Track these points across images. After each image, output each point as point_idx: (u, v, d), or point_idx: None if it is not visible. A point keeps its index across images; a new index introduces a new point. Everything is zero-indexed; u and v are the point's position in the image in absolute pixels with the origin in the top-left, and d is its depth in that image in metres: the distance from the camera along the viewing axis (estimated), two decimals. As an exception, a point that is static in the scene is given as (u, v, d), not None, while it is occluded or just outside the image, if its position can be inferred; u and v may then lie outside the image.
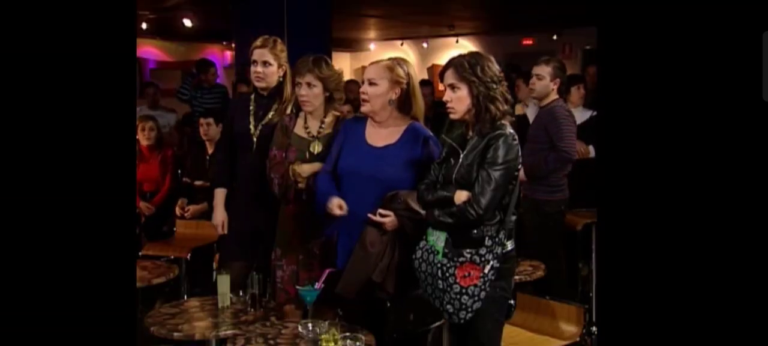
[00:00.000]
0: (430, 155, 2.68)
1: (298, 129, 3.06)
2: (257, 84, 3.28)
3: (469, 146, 2.43)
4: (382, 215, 2.58)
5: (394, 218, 2.57)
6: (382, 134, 2.75)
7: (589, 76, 6.31)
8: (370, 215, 2.57)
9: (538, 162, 4.04)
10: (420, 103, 2.79)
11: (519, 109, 4.62)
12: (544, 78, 4.16)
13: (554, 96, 4.20)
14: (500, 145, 2.35)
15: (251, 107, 3.31)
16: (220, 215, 3.40)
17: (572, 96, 4.86)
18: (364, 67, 3.12)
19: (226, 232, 3.41)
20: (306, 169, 2.91)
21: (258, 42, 3.28)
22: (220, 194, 3.42)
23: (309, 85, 2.98)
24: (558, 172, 4.10)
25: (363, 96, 2.73)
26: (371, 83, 2.71)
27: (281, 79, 3.29)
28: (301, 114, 3.08)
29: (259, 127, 3.25)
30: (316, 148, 2.98)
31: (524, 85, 5.80)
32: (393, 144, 2.72)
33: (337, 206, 2.65)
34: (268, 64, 3.25)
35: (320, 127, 3.03)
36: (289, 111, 3.19)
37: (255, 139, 3.25)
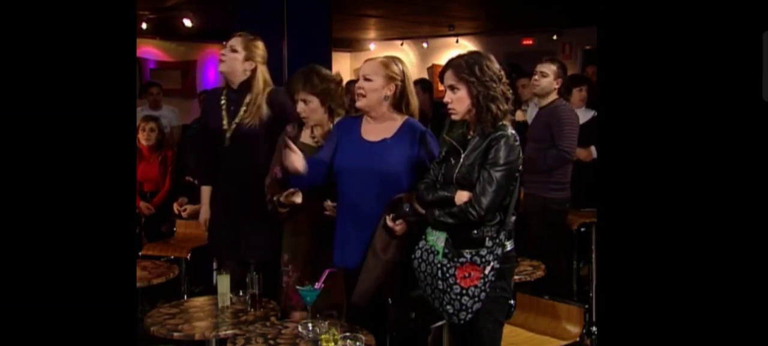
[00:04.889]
0: (428, 150, 2.69)
1: (305, 137, 3.06)
2: (219, 66, 3.26)
3: (470, 146, 2.42)
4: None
5: (405, 224, 2.56)
6: (377, 130, 2.76)
7: (589, 76, 6.29)
8: (388, 222, 2.55)
9: (537, 158, 4.05)
10: (414, 102, 2.81)
11: (519, 116, 4.60)
12: (548, 75, 4.16)
13: (555, 96, 4.20)
14: (502, 145, 2.35)
15: (223, 102, 3.28)
16: (204, 213, 3.43)
17: (573, 97, 4.86)
18: (362, 67, 3.12)
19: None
20: (283, 199, 2.91)
21: (237, 33, 3.29)
22: (206, 192, 3.44)
23: (304, 101, 2.98)
24: (555, 169, 4.10)
25: (359, 91, 2.74)
26: (366, 79, 2.72)
27: (250, 73, 3.25)
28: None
29: (233, 125, 3.23)
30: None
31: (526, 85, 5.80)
32: (389, 138, 2.73)
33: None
34: (234, 50, 3.23)
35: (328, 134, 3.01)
36: (263, 110, 3.17)
37: (228, 136, 3.23)
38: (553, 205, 4.14)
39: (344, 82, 3.20)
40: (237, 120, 3.22)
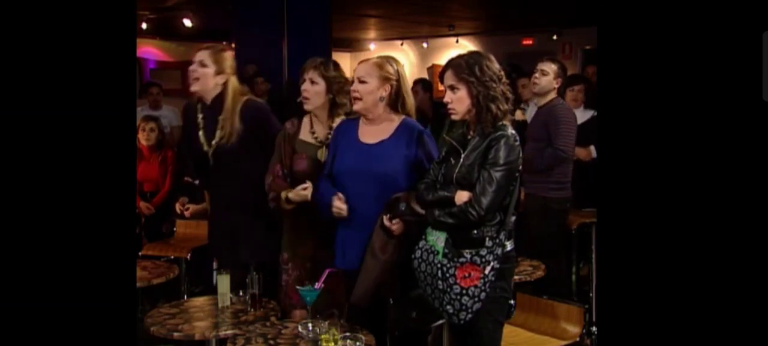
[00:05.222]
0: (425, 150, 2.69)
1: (304, 134, 3.04)
2: (191, 86, 3.19)
3: (470, 146, 2.42)
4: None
5: (402, 223, 2.56)
6: (374, 131, 2.75)
7: (589, 76, 6.29)
8: (385, 221, 2.56)
9: (534, 158, 4.05)
10: (410, 101, 2.81)
11: (519, 115, 4.57)
12: (548, 74, 4.15)
13: (553, 95, 4.20)
14: (502, 145, 2.35)
15: (200, 119, 3.25)
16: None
17: (566, 97, 4.83)
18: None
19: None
20: (294, 196, 2.90)
21: (203, 46, 3.23)
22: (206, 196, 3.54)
23: (311, 81, 2.97)
24: (553, 168, 4.10)
25: (354, 94, 2.73)
26: (361, 81, 2.72)
27: (222, 88, 3.17)
28: (306, 119, 3.07)
29: (213, 145, 3.20)
30: (323, 155, 2.96)
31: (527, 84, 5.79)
32: (386, 140, 2.73)
33: (337, 203, 2.66)
34: (204, 65, 3.15)
35: (328, 133, 3.00)
36: (236, 125, 3.12)
37: (210, 156, 3.22)
38: (554, 205, 4.14)
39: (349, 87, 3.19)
40: (215, 140, 3.18)
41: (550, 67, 4.16)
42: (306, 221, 2.97)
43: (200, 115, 3.25)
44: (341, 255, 2.75)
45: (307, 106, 3.01)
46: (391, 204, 2.56)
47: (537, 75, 4.21)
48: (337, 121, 2.98)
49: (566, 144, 4.07)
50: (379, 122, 2.76)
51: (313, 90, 2.97)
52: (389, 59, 2.80)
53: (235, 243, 3.25)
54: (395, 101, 2.76)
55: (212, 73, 3.16)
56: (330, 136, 2.96)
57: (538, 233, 4.08)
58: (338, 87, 2.99)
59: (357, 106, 2.74)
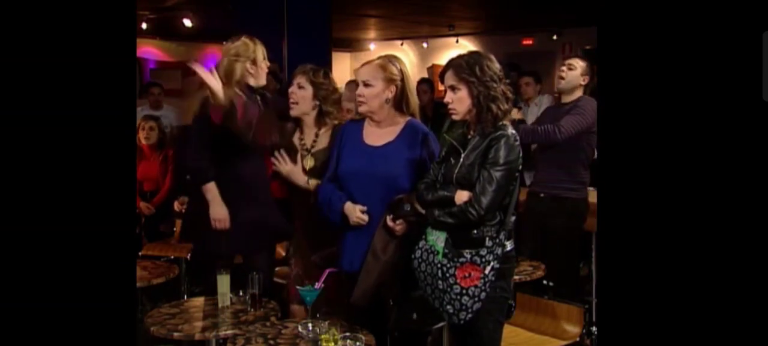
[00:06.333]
0: (430, 151, 2.69)
1: (295, 138, 3.08)
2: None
3: (470, 146, 2.43)
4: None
5: (405, 224, 2.56)
6: (380, 133, 2.75)
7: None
8: (388, 221, 2.56)
9: (524, 131, 3.74)
10: (414, 100, 2.81)
11: (516, 114, 4.42)
12: (575, 69, 3.88)
13: (580, 93, 3.92)
14: (502, 145, 2.35)
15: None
16: (221, 209, 3.13)
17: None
18: (361, 67, 3.13)
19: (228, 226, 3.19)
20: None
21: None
22: (214, 189, 3.15)
23: (299, 85, 3.00)
24: (540, 143, 3.87)
25: (360, 98, 2.73)
26: (366, 85, 2.71)
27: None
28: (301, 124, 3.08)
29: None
30: (308, 163, 2.96)
31: (535, 83, 5.76)
32: (392, 142, 2.73)
33: (359, 213, 2.66)
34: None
35: (314, 140, 3.01)
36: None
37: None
38: (579, 206, 3.92)
39: (345, 82, 3.20)
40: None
41: (578, 63, 3.89)
42: (310, 220, 2.98)
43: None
44: (346, 256, 2.74)
45: (293, 111, 3.03)
46: (395, 205, 2.56)
47: (563, 69, 3.94)
48: (324, 130, 3.00)
49: (567, 127, 3.74)
50: (384, 124, 2.75)
51: (300, 94, 3.00)
52: (391, 59, 2.79)
53: (262, 223, 3.15)
54: (400, 101, 2.75)
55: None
56: (314, 144, 2.99)
57: (565, 236, 3.89)
58: (325, 94, 3.00)
59: (362, 110, 2.75)
